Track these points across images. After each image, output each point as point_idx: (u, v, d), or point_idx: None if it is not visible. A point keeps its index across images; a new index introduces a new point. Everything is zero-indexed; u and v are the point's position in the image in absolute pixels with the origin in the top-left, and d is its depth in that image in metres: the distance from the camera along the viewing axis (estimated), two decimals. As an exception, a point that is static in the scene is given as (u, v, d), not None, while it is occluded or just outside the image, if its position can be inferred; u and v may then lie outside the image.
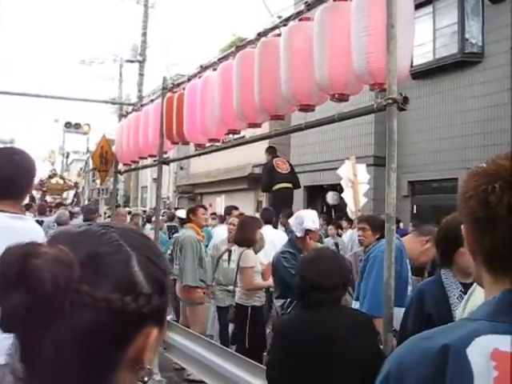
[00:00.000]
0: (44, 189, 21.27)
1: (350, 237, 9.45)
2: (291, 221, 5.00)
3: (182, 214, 9.77)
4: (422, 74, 13.22)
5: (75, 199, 23.55)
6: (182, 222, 9.06)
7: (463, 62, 12.34)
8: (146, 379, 0.78)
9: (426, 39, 13.11)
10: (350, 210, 8.71)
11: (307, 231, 4.75)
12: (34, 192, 21.48)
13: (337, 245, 9.29)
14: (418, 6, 13.19)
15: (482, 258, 1.02)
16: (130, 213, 12.85)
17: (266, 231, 6.48)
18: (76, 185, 24.76)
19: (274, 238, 6.29)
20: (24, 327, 0.70)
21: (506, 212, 0.95)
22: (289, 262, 4.65)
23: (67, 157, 46.33)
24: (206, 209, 7.56)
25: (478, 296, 2.25)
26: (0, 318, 0.70)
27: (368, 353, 2.52)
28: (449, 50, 12.77)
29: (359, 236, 5.05)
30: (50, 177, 22.44)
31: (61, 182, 22.19)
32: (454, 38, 12.64)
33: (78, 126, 22.86)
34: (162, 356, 5.96)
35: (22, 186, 2.64)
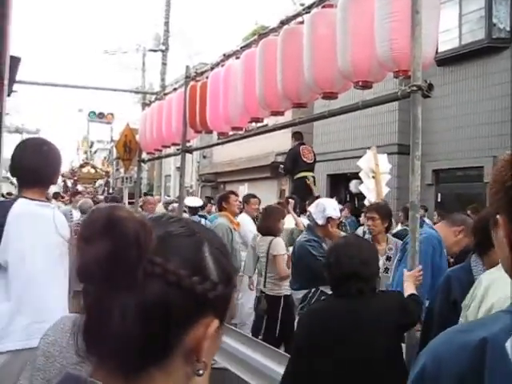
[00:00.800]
0: (75, 178, 21.49)
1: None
2: (311, 209, 4.95)
3: (190, 201, 9.38)
4: (448, 60, 13.02)
5: (106, 188, 23.78)
6: (191, 210, 8.91)
7: (490, 47, 12.10)
8: (201, 372, 0.78)
9: (451, 25, 12.89)
10: (369, 200, 8.63)
11: (329, 219, 4.73)
12: (67, 181, 21.77)
13: (364, 233, 9.25)
14: (443, -8, 13.01)
15: None
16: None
17: (290, 219, 6.47)
18: (107, 174, 24.95)
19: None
20: (99, 280, 0.72)
21: None
22: (316, 250, 4.60)
23: (91, 146, 46.77)
24: (237, 195, 7.40)
25: (499, 289, 2.18)
26: (80, 266, 0.73)
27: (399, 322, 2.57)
28: (475, 35, 12.54)
29: (369, 225, 5.07)
30: (82, 166, 22.65)
31: (92, 171, 22.35)
32: (480, 23, 12.40)
33: (101, 115, 23.05)
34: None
35: (48, 175, 2.73)
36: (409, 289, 3.00)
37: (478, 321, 0.99)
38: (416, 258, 2.91)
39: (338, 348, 2.48)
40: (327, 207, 4.74)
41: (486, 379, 0.85)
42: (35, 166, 2.64)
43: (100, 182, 24.89)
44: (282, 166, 10.43)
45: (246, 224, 7.31)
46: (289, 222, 6.54)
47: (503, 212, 1.01)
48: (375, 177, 8.10)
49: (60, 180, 22.40)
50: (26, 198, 2.63)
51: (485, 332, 0.90)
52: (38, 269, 2.56)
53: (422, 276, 3.06)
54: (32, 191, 2.64)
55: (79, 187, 20.13)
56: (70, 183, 21.18)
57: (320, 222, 4.74)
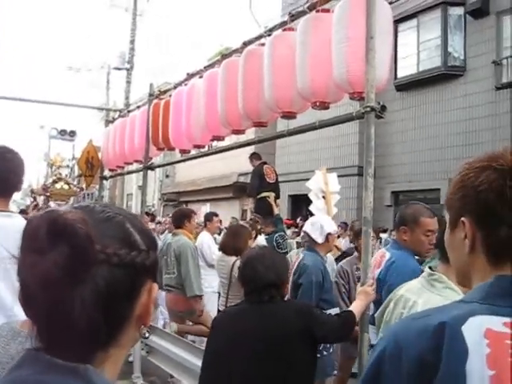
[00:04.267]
0: (48, 194, 20.35)
1: (344, 244, 9.57)
2: (307, 228, 4.77)
3: None
4: (406, 86, 13.45)
5: None
6: None
7: (446, 74, 12.57)
8: (147, 335, 0.89)
9: (410, 52, 13.34)
10: None
11: (328, 235, 4.63)
12: (37, 197, 20.78)
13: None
14: (402, 20, 13.45)
15: (488, 249, 1.08)
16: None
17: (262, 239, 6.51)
18: (82, 190, 24.22)
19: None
20: (60, 284, 0.75)
21: None
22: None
23: (52, 165, 45.96)
24: (195, 214, 7.27)
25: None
26: (38, 278, 0.75)
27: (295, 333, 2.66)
28: (432, 62, 13.00)
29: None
30: (55, 181, 21.35)
31: (66, 187, 21.03)
32: (437, 51, 12.88)
33: (64, 132, 22.66)
34: (145, 360, 6.00)
35: (12, 183, 2.67)
36: (354, 305, 3.13)
37: (435, 308, 1.08)
38: (368, 271, 3.02)
39: (244, 348, 2.62)
40: (324, 224, 4.65)
41: (444, 358, 0.95)
42: (1, 174, 2.58)
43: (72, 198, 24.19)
44: (248, 187, 10.39)
45: (206, 242, 7.30)
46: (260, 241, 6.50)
47: (469, 214, 1.10)
48: (325, 196, 8.19)
49: (30, 196, 21.43)
50: None
51: (443, 317, 1.00)
52: None
53: (374, 290, 3.17)
54: None
55: (51, 204, 19.35)
56: (40, 200, 20.11)
57: (320, 240, 4.61)
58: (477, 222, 1.09)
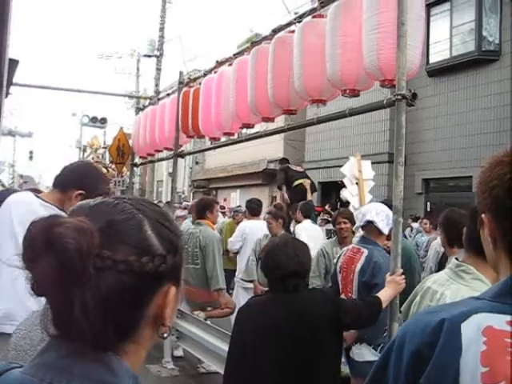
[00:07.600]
0: None
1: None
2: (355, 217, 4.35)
3: None
4: (439, 71, 13.20)
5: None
6: None
7: (480, 59, 12.28)
8: (165, 335, 0.87)
9: (442, 37, 13.08)
10: (353, 206, 8.67)
11: (368, 223, 3.99)
12: None
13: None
14: (435, 4, 13.18)
15: (506, 245, 1.06)
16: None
17: (305, 226, 6.55)
18: (121, 174, 24.05)
19: (314, 234, 6.35)
20: (54, 291, 0.77)
21: None
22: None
23: (84, 151, 46.66)
24: (218, 203, 7.19)
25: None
26: (32, 284, 0.78)
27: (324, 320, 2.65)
28: (466, 47, 12.72)
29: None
30: None
31: (104, 171, 21.05)
32: (471, 35, 12.58)
33: (95, 119, 22.88)
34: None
35: (69, 181, 2.65)
36: (382, 292, 3.11)
37: (447, 304, 1.09)
38: (398, 260, 3.00)
39: (269, 338, 2.62)
40: (367, 213, 4.02)
41: (436, 351, 0.98)
42: (63, 171, 2.65)
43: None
44: (277, 186, 10.61)
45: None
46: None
47: (488, 211, 1.09)
48: (358, 183, 8.13)
49: None
50: (33, 193, 2.62)
51: (447, 314, 1.02)
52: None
53: (404, 280, 3.15)
54: (48, 192, 2.65)
55: None
56: None
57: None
58: (493, 218, 1.08)
